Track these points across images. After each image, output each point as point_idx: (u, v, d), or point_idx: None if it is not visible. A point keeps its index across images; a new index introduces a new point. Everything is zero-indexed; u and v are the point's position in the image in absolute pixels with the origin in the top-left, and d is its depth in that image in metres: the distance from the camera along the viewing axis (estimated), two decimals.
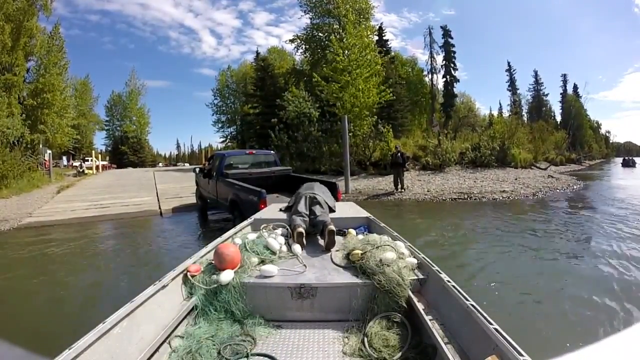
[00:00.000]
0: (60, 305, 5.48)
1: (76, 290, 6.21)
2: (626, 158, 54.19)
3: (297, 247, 3.39)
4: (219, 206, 10.77)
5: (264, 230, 3.86)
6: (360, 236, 3.70)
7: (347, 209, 5.58)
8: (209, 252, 3.21)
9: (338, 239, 4.13)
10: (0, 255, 8.64)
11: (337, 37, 26.78)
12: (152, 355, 2.08)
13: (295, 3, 37.14)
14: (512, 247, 8.05)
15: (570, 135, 43.39)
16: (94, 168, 38.61)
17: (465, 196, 15.63)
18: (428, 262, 2.81)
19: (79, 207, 14.72)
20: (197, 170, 13.46)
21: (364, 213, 5.04)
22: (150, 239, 10.51)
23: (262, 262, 3.09)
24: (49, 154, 27.44)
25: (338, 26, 32.35)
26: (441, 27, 49.28)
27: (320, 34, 35.61)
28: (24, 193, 18.19)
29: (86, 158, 44.97)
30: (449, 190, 16.97)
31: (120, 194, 18.15)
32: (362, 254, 2.93)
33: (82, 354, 1.70)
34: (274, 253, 3.26)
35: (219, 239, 3.61)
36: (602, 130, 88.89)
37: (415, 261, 2.92)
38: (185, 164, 76.42)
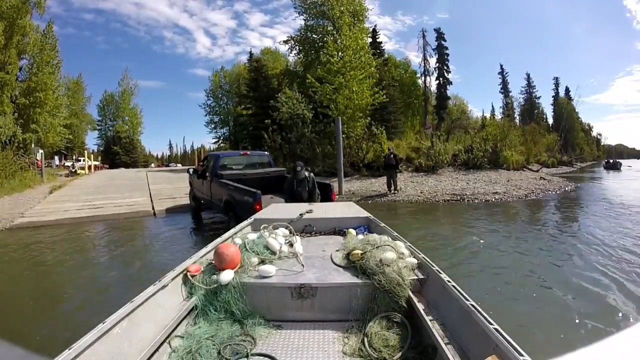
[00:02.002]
0: (49, 307, 5.44)
1: (66, 292, 6.17)
2: (610, 161, 53.73)
3: (297, 247, 3.38)
4: (213, 207, 10.76)
5: (264, 230, 3.85)
6: (360, 236, 3.69)
7: (347, 209, 5.61)
8: (209, 252, 3.21)
9: (338, 238, 4.19)
10: None
11: (332, 38, 26.80)
12: (152, 355, 2.07)
13: (290, 4, 37.36)
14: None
15: (562, 137, 43.60)
16: (86, 168, 38.39)
17: (458, 198, 15.70)
18: (428, 262, 2.81)
19: (71, 207, 14.62)
20: (191, 171, 13.44)
21: (363, 213, 5.05)
22: (143, 239, 10.49)
23: (262, 262, 3.09)
24: (41, 153, 27.23)
25: (332, 28, 32.39)
26: (435, 29, 49.69)
27: (314, 36, 35.68)
28: (15, 193, 18.02)
29: (78, 158, 44.77)
30: (442, 191, 17.02)
31: (113, 194, 18.01)
32: (362, 254, 2.92)
33: (82, 354, 1.70)
34: (274, 253, 3.25)
35: (219, 239, 3.61)
36: (594, 133, 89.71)
37: (415, 261, 2.92)
38: (178, 165, 76.23)
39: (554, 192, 18.18)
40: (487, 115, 57.54)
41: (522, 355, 1.54)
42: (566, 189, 19.64)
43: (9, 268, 7.73)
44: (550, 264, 6.85)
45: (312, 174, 8.17)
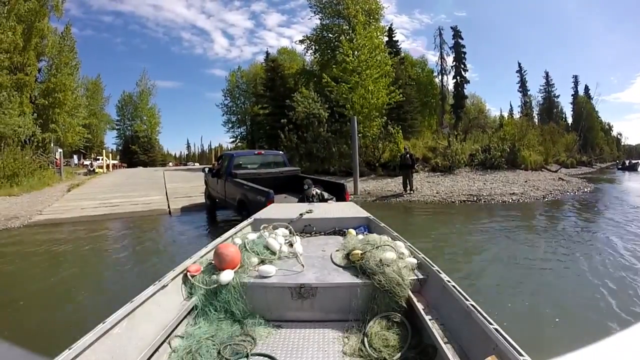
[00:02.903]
0: (64, 307, 5.51)
1: (81, 290, 6.23)
2: (625, 161, 51.77)
3: (297, 247, 3.37)
4: (228, 206, 10.79)
5: (264, 230, 3.85)
6: (360, 236, 3.69)
7: (347, 209, 5.63)
8: (209, 252, 3.20)
9: (338, 238, 4.18)
10: (10, 253, 8.71)
11: (347, 37, 26.71)
12: (152, 355, 2.07)
13: (307, 4, 37.43)
14: None
15: (581, 137, 42.91)
16: (104, 167, 38.90)
17: (475, 198, 15.53)
18: (428, 262, 2.80)
19: (88, 205, 14.83)
20: (207, 170, 13.52)
21: (363, 213, 5.05)
22: (156, 237, 10.60)
23: (262, 262, 3.08)
24: (60, 152, 27.72)
25: (348, 27, 32.27)
26: (451, 27, 49.27)
27: (330, 35, 35.61)
28: (34, 191, 18.35)
29: (97, 157, 45.41)
30: (458, 192, 16.86)
31: (130, 192, 18.26)
32: (362, 254, 2.91)
33: (82, 353, 1.69)
34: (274, 253, 3.24)
35: (218, 239, 3.62)
36: (614, 133, 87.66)
37: (415, 261, 2.90)
38: (195, 164, 76.82)
39: (572, 193, 17.89)
40: (505, 114, 57.07)
41: (522, 355, 1.53)
42: (585, 190, 19.34)
43: (26, 264, 7.83)
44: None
45: (320, 191, 8.12)
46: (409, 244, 3.26)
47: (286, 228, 4.01)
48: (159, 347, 2.16)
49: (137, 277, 6.72)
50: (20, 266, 7.71)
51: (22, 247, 9.27)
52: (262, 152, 13.49)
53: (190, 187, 19.47)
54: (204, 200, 14.19)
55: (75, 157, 44.37)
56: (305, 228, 4.63)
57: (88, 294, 5.93)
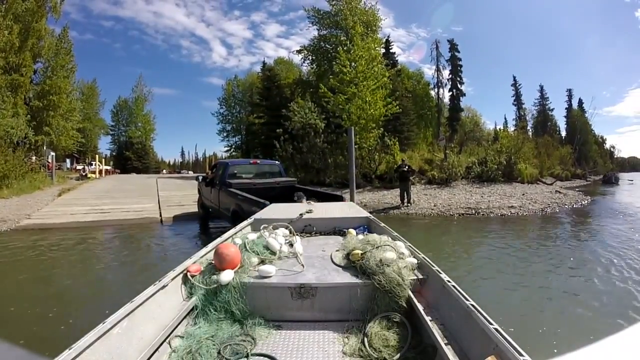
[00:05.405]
0: (47, 315, 5.28)
1: (66, 299, 6.07)
2: (607, 174, 49.58)
3: (297, 247, 3.37)
4: (221, 216, 10.57)
5: (264, 231, 3.88)
6: (360, 236, 3.72)
7: (347, 209, 5.77)
8: (209, 252, 3.20)
9: (338, 238, 4.27)
10: None
11: (345, 48, 26.74)
12: (152, 355, 2.08)
13: (306, 15, 37.59)
14: None
15: (576, 150, 43.12)
16: (97, 172, 38.71)
17: (473, 211, 15.37)
18: (428, 262, 2.81)
19: (78, 211, 14.61)
20: (200, 178, 13.31)
21: (363, 213, 5.18)
22: (146, 247, 10.39)
23: (262, 262, 3.09)
24: (52, 156, 27.55)
25: (345, 38, 32.40)
26: (448, 40, 49.85)
27: (327, 46, 35.88)
28: (24, 194, 18.19)
29: (90, 162, 45.27)
30: (456, 205, 16.71)
31: (122, 199, 18.07)
32: (362, 254, 2.95)
33: (82, 354, 1.68)
34: (274, 253, 3.26)
35: (219, 239, 3.62)
36: (607, 145, 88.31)
37: (415, 261, 2.93)
38: (189, 172, 76.86)
39: (570, 206, 17.82)
40: (500, 127, 57.37)
41: (522, 355, 1.53)
42: (583, 203, 19.33)
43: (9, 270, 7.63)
44: None
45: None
46: (409, 244, 3.29)
47: (286, 228, 4.06)
48: (159, 347, 2.17)
49: (120, 288, 6.59)
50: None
51: (7, 251, 9.05)
52: (258, 161, 13.29)
53: (182, 195, 19.35)
54: (196, 210, 13.97)
55: (68, 161, 44.33)
56: (305, 228, 4.71)
57: (66, 304, 5.77)
